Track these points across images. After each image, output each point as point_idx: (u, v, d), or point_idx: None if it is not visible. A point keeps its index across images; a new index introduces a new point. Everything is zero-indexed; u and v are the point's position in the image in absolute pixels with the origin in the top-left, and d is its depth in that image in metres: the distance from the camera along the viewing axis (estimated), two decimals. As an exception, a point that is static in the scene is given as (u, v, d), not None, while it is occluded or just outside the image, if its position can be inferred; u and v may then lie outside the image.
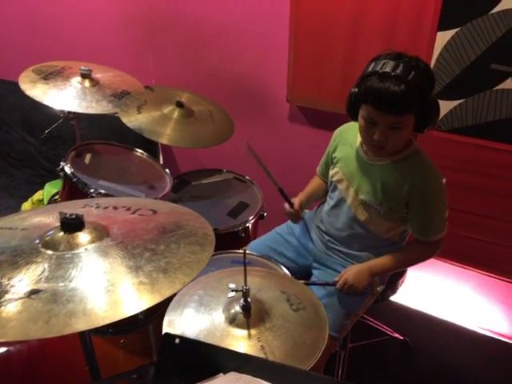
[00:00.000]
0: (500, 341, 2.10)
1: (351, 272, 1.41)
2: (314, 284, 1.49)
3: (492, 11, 1.56)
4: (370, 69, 1.22)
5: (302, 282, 1.45)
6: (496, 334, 2.12)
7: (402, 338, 2.07)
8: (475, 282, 2.07)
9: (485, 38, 1.61)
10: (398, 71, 1.16)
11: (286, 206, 1.54)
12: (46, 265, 0.76)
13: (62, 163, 1.59)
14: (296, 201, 1.54)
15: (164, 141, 1.81)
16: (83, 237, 0.83)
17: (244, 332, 1.03)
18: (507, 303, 2.06)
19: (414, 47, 1.64)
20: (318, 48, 1.94)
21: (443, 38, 1.67)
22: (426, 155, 1.38)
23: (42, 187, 2.42)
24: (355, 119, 1.33)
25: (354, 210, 1.45)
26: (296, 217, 1.55)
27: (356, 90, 1.28)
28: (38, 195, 2.37)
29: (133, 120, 1.81)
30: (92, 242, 0.82)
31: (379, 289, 1.50)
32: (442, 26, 1.66)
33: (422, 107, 1.22)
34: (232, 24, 2.17)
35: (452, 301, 2.18)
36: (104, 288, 0.73)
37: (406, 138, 1.31)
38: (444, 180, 1.36)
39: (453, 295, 2.17)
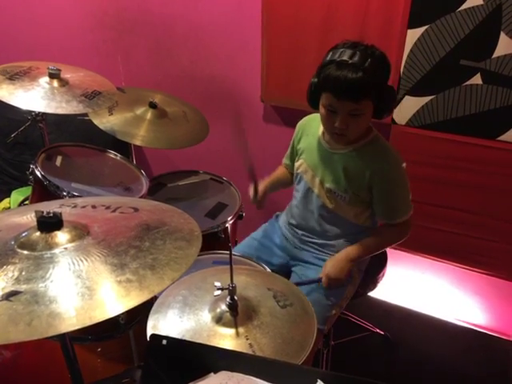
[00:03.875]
0: (477, 331, 2.15)
1: (329, 266, 1.43)
2: (302, 284, 1.47)
3: (460, 8, 1.61)
4: (327, 58, 1.26)
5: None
6: (473, 325, 2.17)
7: (382, 333, 2.09)
8: (451, 275, 2.11)
9: (453, 35, 1.65)
10: (355, 59, 1.20)
11: (251, 192, 1.54)
12: (23, 266, 0.72)
13: (31, 166, 1.52)
14: (261, 188, 1.54)
15: (138, 142, 1.77)
16: (62, 236, 0.78)
17: (231, 331, 1.01)
18: (482, 294, 2.11)
19: (385, 45, 1.66)
20: (290, 47, 1.95)
21: (413, 35, 1.71)
22: (386, 141, 1.43)
23: (8, 195, 2.33)
24: (316, 108, 1.35)
25: (323, 199, 1.47)
26: (259, 205, 1.56)
27: (315, 79, 1.31)
28: (4, 203, 2.27)
29: (104, 122, 1.76)
30: (72, 240, 0.78)
31: (358, 276, 1.52)
32: (412, 24, 1.69)
33: (379, 94, 1.25)
34: (202, 24, 2.15)
35: (430, 294, 2.22)
36: (88, 287, 0.69)
37: (365, 125, 1.35)
38: (404, 164, 1.40)
39: (430, 289, 2.21)
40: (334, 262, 1.43)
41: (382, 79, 1.26)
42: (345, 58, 1.21)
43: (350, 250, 1.44)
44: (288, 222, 1.63)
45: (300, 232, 1.57)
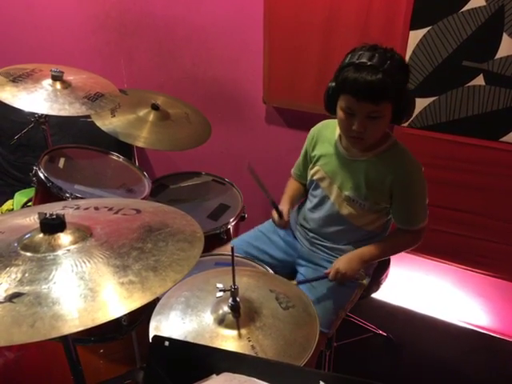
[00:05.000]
0: (480, 333, 2.14)
1: (342, 261, 1.40)
2: (306, 282, 1.47)
3: (462, 9, 1.60)
4: (346, 60, 1.25)
5: (294, 282, 1.43)
6: (476, 326, 2.16)
7: (385, 334, 2.08)
8: (454, 277, 2.11)
9: (456, 36, 1.65)
10: (374, 61, 1.19)
11: (275, 216, 1.49)
12: (26, 267, 0.72)
13: (34, 168, 1.53)
14: (284, 211, 1.49)
15: (140, 144, 1.77)
16: (65, 238, 0.79)
17: (234, 332, 1.01)
18: (485, 296, 2.10)
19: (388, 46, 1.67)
20: (292, 49, 1.95)
21: (416, 36, 1.71)
22: (405, 146, 1.41)
23: (11, 197, 2.34)
24: (333, 113, 1.34)
25: (338, 206, 1.46)
26: (285, 225, 1.52)
27: (333, 82, 1.30)
28: (7, 205, 2.28)
29: (107, 123, 1.77)
30: (75, 242, 0.78)
31: (365, 281, 1.51)
32: (414, 25, 1.69)
33: (398, 97, 1.24)
34: (204, 26, 2.16)
35: (433, 296, 2.22)
36: (91, 288, 0.69)
37: (383, 129, 1.33)
38: (423, 169, 1.38)
39: (433, 290, 2.20)
40: (346, 259, 1.41)
41: (401, 82, 1.24)
42: (364, 59, 1.19)
43: (364, 251, 1.43)
44: (299, 224, 1.62)
45: (311, 234, 1.56)
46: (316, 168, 1.50)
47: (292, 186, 1.65)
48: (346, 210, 1.44)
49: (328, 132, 1.48)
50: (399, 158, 1.37)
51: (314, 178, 1.51)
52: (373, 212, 1.43)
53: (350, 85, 1.21)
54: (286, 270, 1.58)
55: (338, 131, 1.44)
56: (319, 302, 1.42)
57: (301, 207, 1.65)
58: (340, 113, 1.29)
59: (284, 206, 1.53)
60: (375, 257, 1.45)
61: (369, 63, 1.18)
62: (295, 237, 1.63)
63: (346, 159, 1.42)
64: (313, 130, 1.55)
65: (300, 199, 1.65)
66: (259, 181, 1.45)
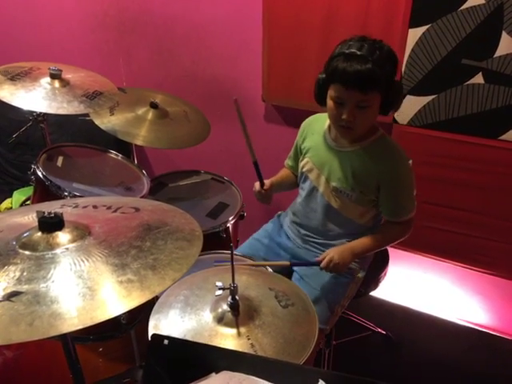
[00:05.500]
0: (479, 331, 2.15)
1: (336, 251, 1.40)
2: (300, 265, 1.51)
3: (461, 7, 1.60)
4: (336, 51, 1.27)
5: (288, 262, 1.45)
6: (475, 324, 2.17)
7: (384, 332, 2.09)
8: (453, 275, 2.11)
9: (455, 34, 1.65)
10: (363, 51, 1.21)
11: (257, 185, 1.50)
12: (25, 266, 0.72)
13: (33, 166, 1.52)
14: (267, 182, 1.51)
15: (139, 142, 1.77)
16: (63, 236, 0.79)
17: (233, 331, 1.01)
18: (484, 294, 2.10)
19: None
20: (291, 47, 1.94)
21: (415, 34, 1.70)
22: (392, 139, 1.43)
23: (9, 195, 2.33)
24: (323, 104, 1.35)
25: (327, 198, 1.47)
26: (265, 198, 1.52)
27: (323, 74, 1.32)
28: (6, 203, 2.28)
29: (106, 122, 1.77)
30: (73, 241, 0.78)
31: (360, 275, 1.51)
32: (414, 23, 1.69)
33: (386, 87, 1.26)
34: (203, 24, 2.15)
35: (431, 294, 2.22)
36: (89, 287, 0.69)
37: (372, 119, 1.35)
38: (410, 161, 1.40)
39: (432, 288, 2.20)
40: (339, 250, 1.41)
41: (389, 72, 1.27)
42: (353, 49, 1.22)
43: (355, 244, 1.44)
44: (291, 221, 1.62)
45: (302, 231, 1.57)
46: (305, 160, 1.52)
47: (282, 172, 1.67)
48: (334, 201, 1.46)
49: (318, 124, 1.50)
50: (387, 150, 1.39)
51: (304, 169, 1.53)
52: (361, 204, 1.44)
53: (340, 74, 1.23)
54: (282, 271, 1.58)
55: (327, 123, 1.46)
56: (315, 298, 1.42)
57: (292, 205, 1.65)
58: (330, 103, 1.31)
59: (269, 180, 1.53)
60: (366, 250, 1.45)
61: (358, 53, 1.21)
62: (287, 236, 1.63)
63: (333, 150, 1.44)
64: (304, 123, 1.57)
65: (290, 186, 1.66)
66: (243, 121, 1.43)
